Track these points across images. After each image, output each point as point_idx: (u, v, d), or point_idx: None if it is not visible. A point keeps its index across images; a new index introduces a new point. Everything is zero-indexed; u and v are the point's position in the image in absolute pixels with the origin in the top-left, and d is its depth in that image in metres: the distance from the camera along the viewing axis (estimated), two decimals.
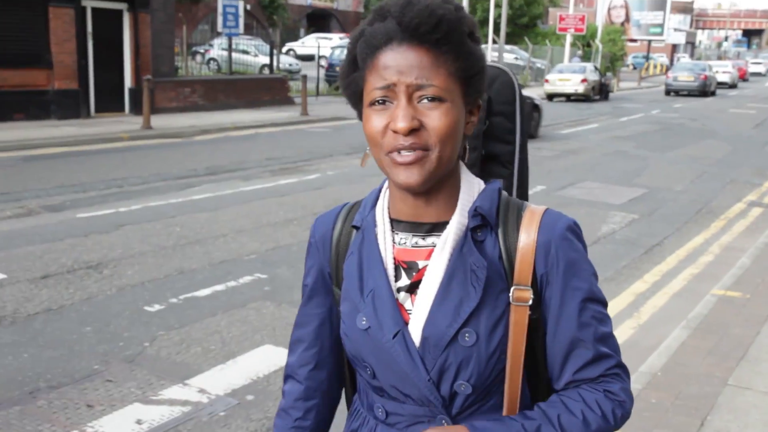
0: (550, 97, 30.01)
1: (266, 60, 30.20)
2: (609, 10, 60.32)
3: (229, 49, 22.81)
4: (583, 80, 29.50)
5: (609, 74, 32.91)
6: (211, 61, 31.84)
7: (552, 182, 11.73)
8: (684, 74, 37.31)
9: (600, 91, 31.24)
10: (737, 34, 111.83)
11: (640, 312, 6.28)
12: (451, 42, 1.23)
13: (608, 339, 1.33)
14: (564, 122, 21.57)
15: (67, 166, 11.83)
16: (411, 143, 1.22)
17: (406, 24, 1.22)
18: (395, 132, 1.23)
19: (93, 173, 11.27)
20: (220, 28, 21.58)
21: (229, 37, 22.18)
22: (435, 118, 1.23)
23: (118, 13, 18.18)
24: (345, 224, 1.44)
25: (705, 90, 36.94)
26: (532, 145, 16.65)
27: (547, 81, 30.80)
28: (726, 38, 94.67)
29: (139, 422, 4.17)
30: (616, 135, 19.02)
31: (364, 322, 1.35)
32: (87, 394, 4.46)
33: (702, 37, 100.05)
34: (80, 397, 4.42)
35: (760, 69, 65.49)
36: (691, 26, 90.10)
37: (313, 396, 1.53)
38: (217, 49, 32.39)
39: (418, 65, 1.22)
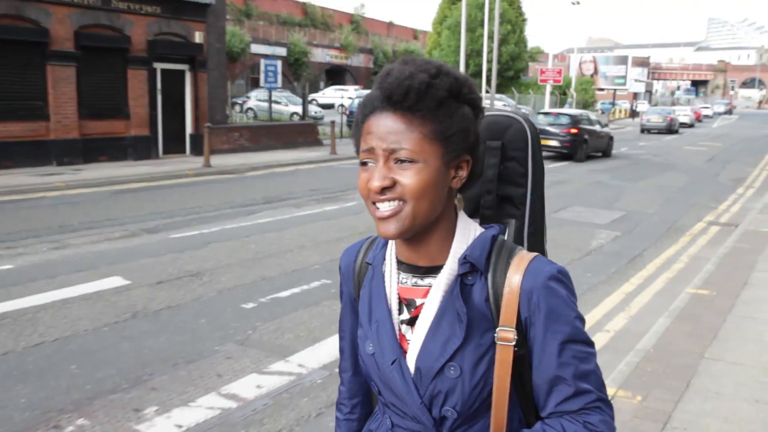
0: None
1: (295, 108, 30.94)
2: (580, 64, 60.95)
3: (269, 100, 23.37)
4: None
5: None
6: (249, 110, 32.44)
7: (547, 207, 12.22)
8: (655, 117, 39.80)
9: None
10: (686, 84, 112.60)
11: (630, 306, 6.72)
12: (421, 108, 1.20)
13: (589, 375, 1.27)
14: (548, 159, 22.08)
15: (150, 198, 12.33)
16: (386, 197, 1.22)
17: (383, 92, 1.22)
18: (371, 189, 1.22)
19: (173, 203, 11.75)
20: (262, 83, 22.11)
21: (270, 90, 22.71)
22: (407, 177, 1.21)
23: (182, 73, 18.76)
24: (363, 259, 1.44)
25: (671, 129, 39.07)
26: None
27: None
28: (678, 87, 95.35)
29: (258, 387, 4.64)
30: (592, 169, 19.37)
31: (370, 348, 1.35)
32: (215, 367, 4.94)
33: (657, 86, 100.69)
34: (211, 369, 4.90)
35: (708, 112, 66.24)
36: (648, 77, 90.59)
37: (357, 395, 1.56)
38: (253, 100, 33.13)
39: (393, 130, 1.21)
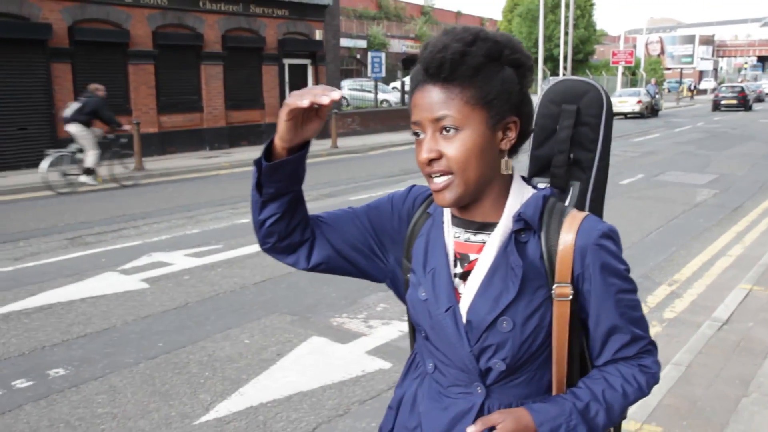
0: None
1: (384, 96, 32.44)
2: (647, 45, 60.72)
3: (375, 88, 24.98)
4: (639, 101, 30.74)
5: (658, 96, 33.91)
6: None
7: (647, 172, 13.48)
8: (727, 93, 38.63)
9: (651, 110, 32.36)
10: (752, 60, 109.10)
11: (743, 240, 8.00)
12: (458, 77, 1.18)
13: (640, 322, 1.30)
14: (632, 133, 23.00)
15: (317, 169, 14.12)
16: (434, 170, 1.21)
17: (422, 66, 1.21)
18: (422, 162, 1.22)
19: (332, 175, 13.41)
20: (369, 73, 23.77)
21: (375, 80, 24.30)
22: (451, 149, 1.19)
23: (305, 67, 20.60)
24: (425, 208, 1.41)
25: (745, 102, 37.80)
26: (629, 143, 18.38)
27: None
28: (746, 63, 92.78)
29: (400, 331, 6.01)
30: (676, 141, 20.31)
31: (423, 295, 1.32)
32: (357, 315, 5.59)
33: (723, 63, 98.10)
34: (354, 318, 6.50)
35: None
36: (712, 55, 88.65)
37: (307, 223, 1.39)
38: (345, 90, 34.83)
39: (435, 101, 1.19)
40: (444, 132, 1.20)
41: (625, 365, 1.30)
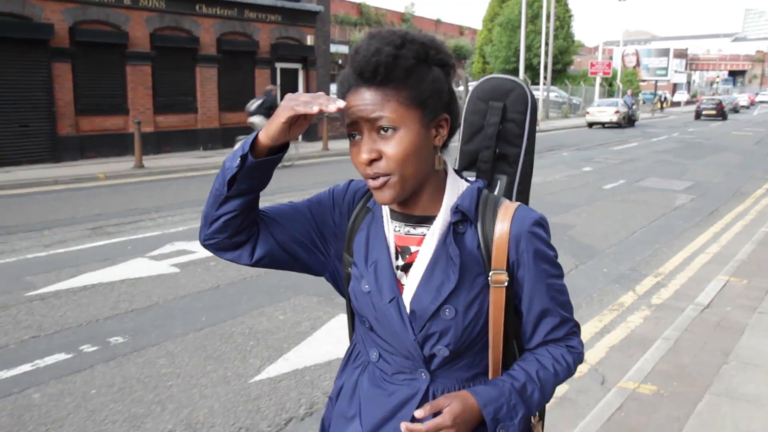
0: (590, 124, 32.26)
1: None
2: (623, 56, 62.14)
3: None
4: (617, 111, 31.69)
5: (634, 106, 34.93)
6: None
7: (628, 178, 14.24)
8: (707, 104, 43.45)
9: (628, 121, 33.36)
10: (724, 74, 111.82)
11: (719, 240, 8.69)
12: (392, 80, 1.21)
13: (567, 305, 1.37)
14: (612, 142, 23.83)
15: (288, 175, 14.65)
16: (374, 172, 1.24)
17: (354, 71, 1.23)
18: (362, 163, 1.24)
19: (327, 176, 13.88)
20: None
21: None
22: (390, 147, 1.22)
23: (296, 71, 21.12)
24: (364, 203, 1.43)
25: (722, 113, 42.50)
26: (610, 152, 19.17)
27: (588, 113, 32.96)
28: (718, 78, 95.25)
29: None
30: (654, 150, 21.13)
31: (366, 287, 1.35)
32: None
33: (695, 76, 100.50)
34: None
35: (763, 98, 66.99)
36: (686, 68, 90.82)
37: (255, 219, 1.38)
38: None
39: (372, 103, 1.21)
40: (381, 132, 1.22)
41: (555, 346, 1.37)
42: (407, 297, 1.32)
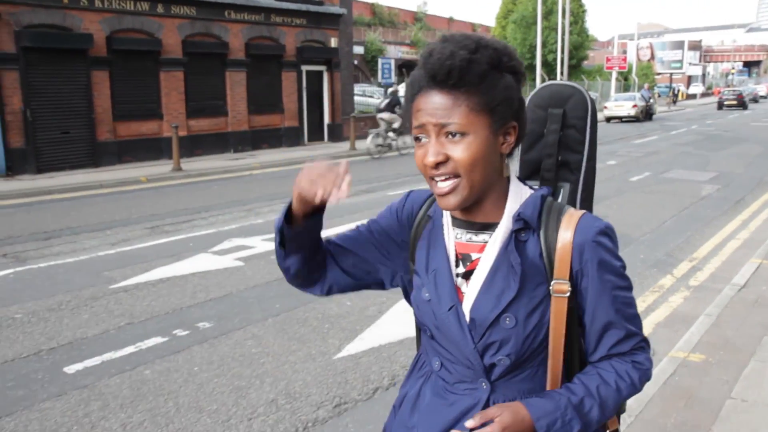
0: (608, 119, 32.56)
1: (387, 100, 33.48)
2: (637, 50, 62.20)
3: (385, 92, 25.94)
4: (634, 105, 32.00)
5: (652, 100, 35.18)
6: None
7: (653, 170, 14.60)
8: (728, 95, 47.32)
9: (646, 114, 33.60)
10: (739, 65, 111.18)
11: (748, 227, 9.07)
12: (465, 84, 1.21)
13: (634, 319, 1.33)
14: (632, 136, 24.16)
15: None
16: (441, 172, 1.24)
17: (427, 72, 1.23)
18: (427, 165, 1.24)
19: (362, 175, 14.05)
20: (379, 78, 24.81)
21: (386, 85, 25.29)
22: (458, 151, 1.22)
23: (320, 73, 21.60)
24: (425, 211, 1.45)
25: (743, 103, 45.93)
26: (631, 145, 19.53)
27: (606, 107, 33.29)
28: (733, 69, 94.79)
29: None
30: (675, 142, 21.46)
31: (426, 295, 1.36)
32: None
33: (710, 68, 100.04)
34: None
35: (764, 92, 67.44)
36: (700, 60, 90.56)
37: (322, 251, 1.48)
38: None
39: (441, 107, 1.22)
40: (449, 137, 1.22)
41: (619, 361, 1.33)
42: (467, 304, 1.32)
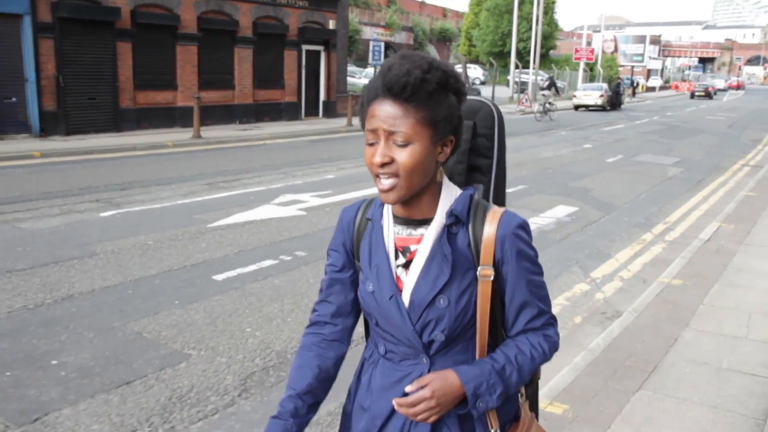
0: (576, 107, 34.49)
1: (364, 81, 34.75)
2: (602, 43, 64.47)
3: (375, 73, 27.23)
4: (601, 95, 33.97)
5: (623, 90, 37.25)
6: None
7: (625, 154, 16.42)
8: (699, 87, 57.12)
9: (611, 104, 35.58)
10: (694, 61, 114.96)
11: (708, 201, 10.85)
12: (416, 99, 1.36)
13: (546, 299, 1.54)
14: (601, 123, 26.06)
15: (331, 146, 16.54)
16: (385, 171, 1.40)
17: (384, 84, 1.38)
18: (374, 164, 1.40)
19: (354, 149, 15.82)
20: (370, 60, 26.12)
21: (375, 66, 26.57)
22: (402, 156, 1.38)
23: (318, 53, 22.82)
24: (363, 216, 1.62)
25: (709, 94, 56.25)
26: (602, 132, 21.44)
27: (574, 96, 35.19)
28: (689, 65, 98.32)
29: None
30: (640, 131, 23.36)
31: (370, 288, 1.54)
32: None
33: (667, 63, 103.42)
34: None
35: (744, 81, 72.71)
36: (659, 55, 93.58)
37: (338, 340, 1.66)
38: None
39: (392, 115, 1.37)
40: (397, 142, 1.39)
41: (533, 335, 1.53)
42: (408, 290, 1.49)
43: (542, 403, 3.82)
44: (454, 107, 1.44)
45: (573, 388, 4.11)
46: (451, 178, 1.62)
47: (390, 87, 1.37)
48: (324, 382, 1.61)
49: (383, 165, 1.39)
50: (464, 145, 1.64)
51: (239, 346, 4.65)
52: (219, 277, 6.05)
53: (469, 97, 1.59)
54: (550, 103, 26.99)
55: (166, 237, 7.25)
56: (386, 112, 1.38)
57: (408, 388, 1.46)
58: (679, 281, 6.25)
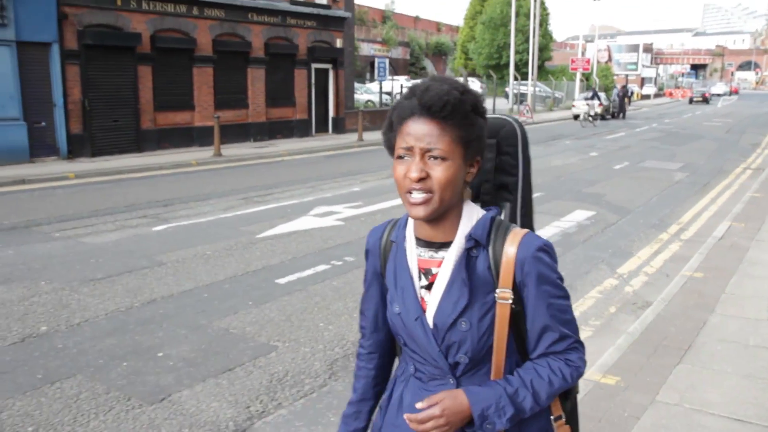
0: (576, 117, 35.20)
1: (368, 96, 35.21)
2: (596, 52, 65.48)
3: (380, 90, 27.91)
4: (600, 105, 34.68)
5: (624, 99, 38.02)
6: None
7: (631, 160, 17.07)
8: (697, 93, 60.60)
9: (610, 113, 36.26)
10: (686, 67, 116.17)
11: (716, 202, 11.48)
12: (454, 118, 1.42)
13: (569, 323, 1.52)
14: (602, 132, 26.77)
15: (348, 160, 17.17)
16: (419, 187, 1.43)
17: (423, 104, 1.42)
18: (410, 178, 1.43)
19: (370, 163, 16.44)
20: (376, 76, 26.79)
21: (380, 81, 27.22)
22: (437, 172, 1.42)
23: (327, 71, 23.51)
24: (388, 238, 1.66)
25: (706, 99, 59.56)
26: (605, 140, 22.11)
27: (574, 105, 35.89)
28: (682, 72, 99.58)
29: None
30: (642, 138, 24.05)
31: (396, 309, 1.57)
32: None
33: (660, 70, 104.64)
34: None
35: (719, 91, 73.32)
36: (651, 62, 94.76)
37: (376, 350, 1.79)
38: None
39: (429, 133, 1.42)
40: (432, 159, 1.43)
41: (554, 359, 1.52)
42: (431, 312, 1.53)
43: (596, 377, 4.40)
44: (483, 129, 1.50)
45: (620, 363, 4.68)
46: (478, 198, 1.69)
47: (429, 106, 1.42)
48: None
49: (420, 180, 1.43)
50: (488, 164, 1.67)
51: (318, 338, 5.22)
52: (281, 280, 6.62)
53: (491, 115, 1.64)
54: (596, 112, 31.94)
55: (221, 247, 7.82)
56: (423, 130, 1.43)
57: (419, 405, 1.49)
58: (700, 274, 6.83)
